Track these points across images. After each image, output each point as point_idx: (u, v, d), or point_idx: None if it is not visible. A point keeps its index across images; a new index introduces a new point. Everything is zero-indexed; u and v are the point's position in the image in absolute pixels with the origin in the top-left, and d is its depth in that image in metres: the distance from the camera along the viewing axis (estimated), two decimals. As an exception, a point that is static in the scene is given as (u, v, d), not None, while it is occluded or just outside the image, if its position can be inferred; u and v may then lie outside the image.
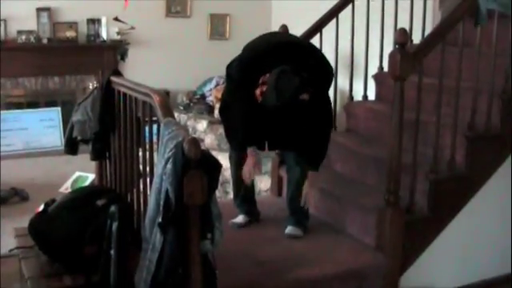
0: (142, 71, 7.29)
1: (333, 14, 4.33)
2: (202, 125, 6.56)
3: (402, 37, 3.07)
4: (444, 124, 3.43)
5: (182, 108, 7.20)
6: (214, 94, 7.05)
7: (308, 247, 3.43)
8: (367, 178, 3.84)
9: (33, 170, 6.31)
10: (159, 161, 2.56)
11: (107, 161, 3.75)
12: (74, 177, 5.70)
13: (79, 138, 3.71)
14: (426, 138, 3.53)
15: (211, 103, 6.99)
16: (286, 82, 2.98)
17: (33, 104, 7.21)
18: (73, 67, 7.07)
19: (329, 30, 4.35)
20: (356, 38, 4.45)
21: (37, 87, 7.10)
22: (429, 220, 3.44)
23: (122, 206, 2.93)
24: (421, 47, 3.27)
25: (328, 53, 4.09)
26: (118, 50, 7.06)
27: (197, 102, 7.11)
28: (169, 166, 2.39)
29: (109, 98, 3.48)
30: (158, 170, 2.55)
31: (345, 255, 3.34)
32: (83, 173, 5.69)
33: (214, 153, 5.18)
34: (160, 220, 2.42)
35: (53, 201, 3.43)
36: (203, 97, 7.21)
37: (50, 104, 7.28)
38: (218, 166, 2.43)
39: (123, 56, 6.92)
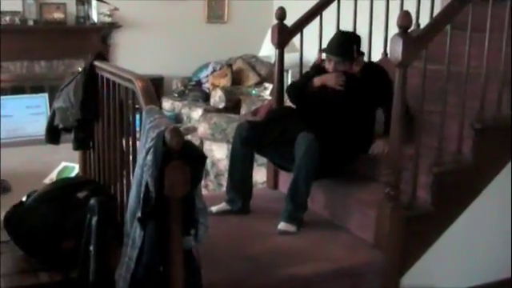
0: (135, 56, 7.28)
1: (334, -5, 4.28)
2: (197, 113, 6.53)
3: (405, 20, 3.01)
4: (450, 114, 3.37)
5: (176, 95, 7.18)
6: (210, 81, 7.02)
7: (302, 243, 3.40)
8: (368, 170, 3.79)
9: (17, 159, 6.26)
10: (140, 151, 2.52)
11: (91, 150, 3.70)
12: (59, 167, 5.66)
13: (61, 125, 3.66)
14: (431, 129, 3.49)
15: (207, 90, 6.96)
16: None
17: (18, 90, 7.17)
18: (61, 51, 7.06)
19: (330, 13, 4.29)
20: (359, 21, 4.40)
21: (22, 72, 7.08)
22: (432, 216, 3.38)
23: (102, 199, 2.89)
24: (426, 31, 3.20)
25: (328, 37, 4.07)
26: (98, 33, 6.99)
27: (192, 89, 7.08)
28: (149, 156, 2.35)
29: (92, 83, 3.43)
30: (139, 161, 2.51)
31: (340, 252, 3.30)
32: (70, 163, 5.65)
33: (207, 143, 5.20)
34: (139, 214, 2.38)
35: (35, 192, 3.40)
36: (199, 83, 7.18)
37: (37, 90, 7.24)
38: (202, 157, 2.39)
39: (105, 39, 6.86)
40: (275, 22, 4.15)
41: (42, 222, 3.12)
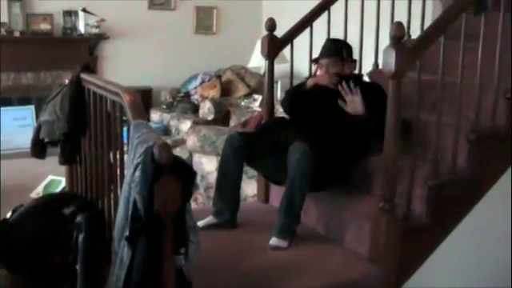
0: (123, 67, 7.21)
1: (324, 6, 4.21)
2: (185, 125, 6.44)
3: (398, 30, 2.94)
4: (445, 124, 3.30)
5: (164, 107, 7.09)
6: (199, 92, 6.94)
7: (295, 257, 3.31)
8: (363, 182, 3.72)
9: (3, 172, 6.12)
10: (128, 166, 2.43)
11: (78, 165, 3.60)
12: (46, 181, 5.55)
13: (47, 139, 3.56)
14: (425, 140, 3.42)
15: (196, 102, 6.88)
16: None
17: (4, 101, 7.02)
18: (48, 62, 6.97)
19: (320, 24, 4.23)
20: (349, 32, 4.35)
21: (9, 83, 6.97)
22: (427, 229, 3.31)
23: (89, 216, 2.80)
24: (419, 41, 3.14)
25: (318, 48, 4.00)
26: (85, 44, 6.89)
27: (181, 101, 7.00)
28: (137, 173, 2.26)
29: (78, 96, 3.34)
30: (126, 177, 2.42)
31: (335, 266, 3.21)
32: (57, 176, 5.54)
33: (196, 155, 5.11)
34: (127, 233, 2.28)
35: (21, 207, 3.30)
36: (188, 95, 7.10)
37: (24, 101, 7.14)
38: (191, 173, 2.29)
39: (92, 51, 6.76)
40: (265, 32, 4.08)
41: (28, 239, 3.02)
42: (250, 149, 3.63)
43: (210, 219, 3.65)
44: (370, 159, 3.64)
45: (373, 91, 3.70)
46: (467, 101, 3.33)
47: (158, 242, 2.27)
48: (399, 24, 2.97)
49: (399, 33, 2.94)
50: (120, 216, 2.46)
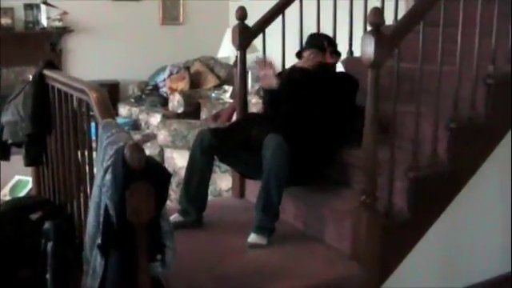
0: (89, 61, 7.02)
1: (296, -7, 4.08)
2: (155, 119, 6.29)
3: (377, 17, 2.81)
4: (423, 114, 3.20)
5: (133, 101, 6.94)
6: (168, 85, 6.79)
7: (275, 258, 3.18)
8: (340, 176, 3.61)
9: (-34, 173, 5.91)
10: (98, 169, 2.27)
11: (44, 166, 3.43)
12: (13, 181, 5.33)
13: (10, 141, 3.38)
14: (404, 130, 3.32)
15: (165, 94, 6.73)
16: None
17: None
18: (10, 58, 6.68)
19: (292, 11, 4.09)
20: (322, 19, 4.22)
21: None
22: (409, 223, 3.20)
23: (57, 222, 2.64)
24: (398, 28, 3.02)
25: (291, 36, 3.90)
26: (48, 38, 6.64)
27: (149, 94, 6.85)
28: (108, 176, 2.10)
29: (42, 94, 3.16)
30: (96, 180, 2.26)
31: (315, 266, 3.09)
32: (24, 176, 5.32)
33: (168, 150, 4.96)
34: (99, 241, 2.13)
35: None
36: (156, 88, 6.96)
37: (-15, 99, 6.87)
38: (166, 175, 2.15)
39: (54, 46, 6.52)
40: (233, 21, 3.94)
41: (-8, 248, 2.83)
42: (222, 146, 3.50)
43: (175, 217, 3.50)
44: (348, 152, 3.53)
45: (344, 81, 3.62)
46: (446, 89, 3.23)
47: (132, 251, 2.12)
48: (377, 10, 2.85)
49: (377, 19, 2.82)
50: (90, 222, 2.31)
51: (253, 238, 3.28)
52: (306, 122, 3.50)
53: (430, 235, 3.32)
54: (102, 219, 2.14)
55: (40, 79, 3.16)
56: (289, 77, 3.71)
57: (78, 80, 2.69)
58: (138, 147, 2.06)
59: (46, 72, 3.13)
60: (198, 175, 3.52)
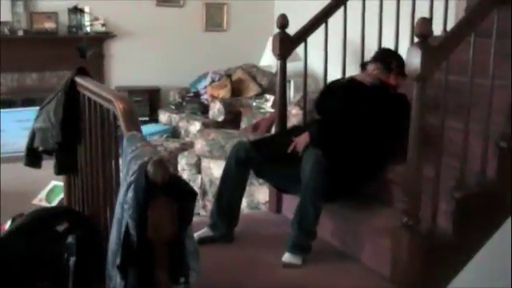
0: (131, 66, 6.97)
1: (340, 1, 3.90)
2: (195, 126, 6.19)
3: (424, 27, 2.63)
4: (471, 130, 2.99)
5: (173, 107, 6.84)
6: (209, 92, 6.68)
7: (309, 277, 3.04)
8: (382, 193, 3.43)
9: (6, 176, 5.87)
10: (122, 184, 2.14)
11: (75, 175, 3.33)
12: (49, 186, 5.28)
13: (41, 148, 3.29)
14: (450, 147, 3.12)
15: (206, 102, 6.62)
16: None
17: (8, 103, 6.76)
18: (53, 62, 6.71)
19: (335, 20, 3.93)
20: (367, 29, 4.05)
21: (13, 84, 6.74)
22: (454, 246, 3.00)
23: (81, 236, 2.52)
24: (447, 39, 2.82)
25: (334, 46, 3.72)
26: (77, 44, 6.56)
27: (190, 101, 6.74)
28: (130, 193, 1.97)
29: (73, 101, 3.06)
30: (119, 196, 2.13)
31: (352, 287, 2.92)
32: (60, 182, 5.24)
33: (205, 160, 4.83)
34: (118, 261, 2.00)
35: (21, 215, 3.03)
36: (197, 95, 6.85)
37: (28, 103, 6.84)
38: (191, 193, 2.00)
39: (84, 52, 6.45)
40: (276, 30, 3.78)
41: (16, 258, 2.71)
42: (259, 159, 3.36)
43: (204, 231, 3.39)
44: (390, 168, 3.34)
45: (399, 103, 3.42)
46: (497, 104, 3.02)
47: (152, 270, 1.98)
48: (425, 20, 2.67)
49: (425, 30, 2.64)
50: (113, 239, 2.19)
51: (287, 257, 3.13)
52: (350, 138, 3.32)
53: (477, 259, 3.10)
54: (122, 238, 2.01)
55: (71, 86, 3.06)
56: (344, 88, 3.56)
57: (107, 89, 2.59)
58: (161, 163, 1.92)
59: (77, 79, 3.02)
60: (231, 188, 3.38)
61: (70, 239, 2.53)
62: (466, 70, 2.95)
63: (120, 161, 2.46)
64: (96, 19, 6.71)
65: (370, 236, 3.17)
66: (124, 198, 2.03)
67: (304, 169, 3.09)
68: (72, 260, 2.47)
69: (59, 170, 3.31)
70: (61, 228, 2.82)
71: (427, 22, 2.68)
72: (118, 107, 2.28)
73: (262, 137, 3.98)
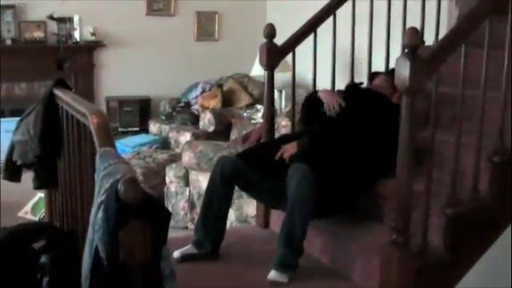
0: (121, 76, 6.87)
1: (329, 10, 3.81)
2: (185, 137, 6.09)
3: (413, 37, 2.52)
4: (463, 144, 2.88)
5: (164, 117, 6.73)
6: (199, 102, 6.59)
7: (296, 296, 2.91)
8: (372, 208, 3.32)
9: (-10, 188, 5.75)
10: (94, 203, 2.03)
11: (55, 190, 3.21)
12: (35, 199, 5.15)
13: (19, 162, 3.17)
14: (441, 161, 3.01)
15: (196, 112, 6.50)
16: None
17: (-4, 113, 6.65)
18: (42, 71, 6.56)
19: (325, 30, 3.83)
20: (357, 38, 3.95)
21: (1, 94, 6.58)
22: (446, 264, 2.88)
23: (55, 256, 2.39)
24: (438, 50, 2.71)
25: (324, 56, 3.61)
26: (55, 56, 6.43)
27: (181, 111, 6.66)
28: (100, 213, 1.85)
29: (52, 114, 2.94)
30: (91, 216, 2.02)
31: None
32: (46, 195, 5.14)
33: (193, 173, 4.72)
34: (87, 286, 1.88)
35: (5, 229, 2.92)
36: (188, 105, 6.76)
37: (17, 113, 6.68)
38: (166, 213, 1.89)
39: (61, 64, 6.33)
40: (266, 39, 3.68)
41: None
42: (245, 174, 3.24)
43: (188, 248, 3.26)
44: (381, 183, 3.23)
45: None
46: (489, 117, 2.92)
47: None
48: (414, 30, 2.56)
49: (414, 40, 2.53)
50: (85, 262, 2.06)
51: (273, 275, 3.00)
52: (342, 151, 3.22)
53: (470, 277, 2.98)
54: (91, 262, 1.89)
55: (50, 99, 2.95)
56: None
57: (82, 102, 2.45)
58: (133, 182, 1.80)
59: (56, 91, 2.91)
60: (216, 204, 3.27)
61: (43, 259, 2.40)
62: (459, 82, 2.84)
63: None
64: (74, 29, 6.59)
65: (360, 253, 3.04)
66: (95, 219, 1.92)
67: (290, 184, 2.98)
68: (45, 281, 2.35)
69: (38, 184, 3.18)
70: (37, 245, 2.70)
71: (416, 32, 2.57)
72: (91, 122, 2.17)
73: (249, 147, 3.86)
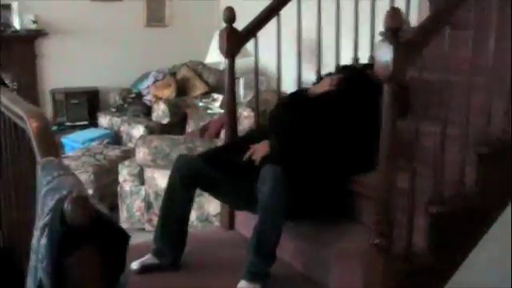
0: (66, 66, 6.53)
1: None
2: (138, 130, 5.78)
3: (395, 19, 2.27)
4: (449, 135, 2.66)
5: (114, 110, 6.40)
6: (152, 92, 6.30)
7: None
8: (349, 207, 3.09)
9: None
10: (36, 224, 1.73)
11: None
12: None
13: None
14: (423, 153, 2.78)
15: (149, 103, 6.20)
16: None
17: None
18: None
19: (289, 12, 3.55)
20: (324, 20, 3.69)
21: None
22: (432, 267, 2.68)
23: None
24: (420, 33, 2.47)
25: (288, 41, 3.41)
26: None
27: (132, 102, 6.35)
28: (43, 240, 1.55)
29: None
30: (33, 240, 1.72)
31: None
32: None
33: (148, 170, 4.42)
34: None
35: None
36: (140, 96, 6.46)
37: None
38: (122, 236, 1.60)
39: None
40: (223, 24, 3.39)
41: None
42: (206, 176, 2.97)
43: (147, 258, 3.00)
44: (357, 179, 2.99)
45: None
46: (473, 104, 2.71)
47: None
48: (395, 11, 2.31)
49: (396, 23, 2.27)
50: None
51: (243, 285, 2.75)
52: (314, 149, 2.97)
53: (456, 279, 2.78)
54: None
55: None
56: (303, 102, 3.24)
57: (19, 101, 2.13)
58: (82, 200, 1.51)
59: (-11, 88, 2.56)
60: (177, 209, 3.01)
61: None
62: (440, 67, 2.61)
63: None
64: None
65: (337, 258, 2.82)
66: (37, 245, 1.62)
67: (261, 188, 2.72)
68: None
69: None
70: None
71: (397, 14, 2.31)
72: (30, 126, 1.85)
73: (212, 148, 3.58)
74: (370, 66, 3.48)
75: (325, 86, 3.25)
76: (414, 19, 3.90)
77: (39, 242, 1.61)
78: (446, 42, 2.52)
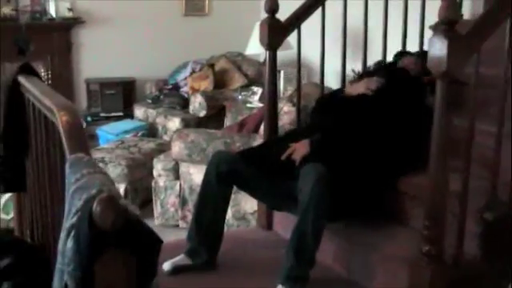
0: (102, 56, 6.53)
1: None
2: (173, 123, 5.74)
3: (450, 11, 2.16)
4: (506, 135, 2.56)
5: (150, 101, 6.37)
6: (189, 84, 6.25)
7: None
8: (396, 209, 2.99)
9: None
10: (63, 226, 1.66)
11: (25, 194, 2.83)
12: (2, 200, 4.76)
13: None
14: (476, 155, 2.66)
15: (186, 95, 6.15)
16: None
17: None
18: (14, 52, 6.13)
19: (334, 4, 3.46)
20: (371, 12, 3.60)
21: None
22: (485, 275, 2.59)
23: (15, 283, 2.03)
24: (479, 25, 2.35)
25: (332, 33, 3.40)
26: (13, 37, 5.88)
27: (168, 94, 6.31)
28: (69, 243, 1.49)
29: (16, 106, 2.56)
30: (60, 241, 1.65)
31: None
32: (20, 191, 4.77)
33: (184, 165, 4.35)
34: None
35: None
36: (176, 87, 6.42)
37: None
38: (154, 240, 1.52)
39: (22, 48, 5.88)
40: (264, 14, 3.30)
41: None
42: (244, 174, 2.91)
43: (181, 259, 2.94)
44: (406, 179, 2.89)
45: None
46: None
47: None
48: (451, 2, 2.19)
49: (451, 14, 2.16)
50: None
51: (280, 289, 2.67)
52: (359, 146, 2.89)
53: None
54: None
55: (14, 88, 2.56)
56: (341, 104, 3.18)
57: (50, 93, 2.07)
58: (112, 201, 1.43)
59: (21, 79, 2.52)
60: (212, 208, 2.94)
61: (6, 285, 2.05)
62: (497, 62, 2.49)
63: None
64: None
65: (382, 263, 2.72)
66: (63, 247, 1.55)
67: (303, 187, 2.62)
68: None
69: (4, 187, 2.81)
70: (3, 263, 2.35)
71: (454, 5, 2.21)
72: (59, 120, 1.79)
73: (251, 147, 3.51)
74: (408, 53, 3.42)
75: (360, 89, 3.16)
76: (467, 11, 3.78)
77: (65, 243, 1.54)
78: (506, 35, 2.39)
